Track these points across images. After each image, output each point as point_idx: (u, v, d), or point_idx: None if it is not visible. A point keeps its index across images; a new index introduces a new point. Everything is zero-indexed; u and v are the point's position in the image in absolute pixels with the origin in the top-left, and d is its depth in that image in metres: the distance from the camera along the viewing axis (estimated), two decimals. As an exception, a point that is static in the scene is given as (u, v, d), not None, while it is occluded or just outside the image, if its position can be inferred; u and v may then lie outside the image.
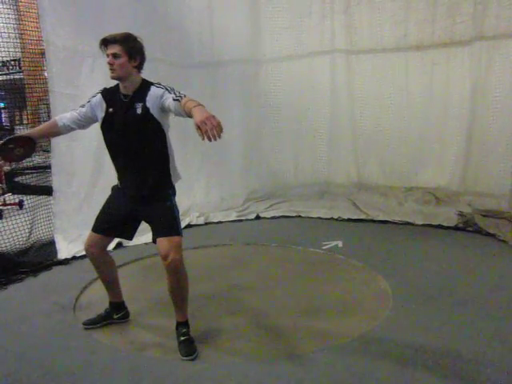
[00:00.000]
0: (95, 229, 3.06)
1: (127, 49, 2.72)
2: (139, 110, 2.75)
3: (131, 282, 3.94)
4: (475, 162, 5.84)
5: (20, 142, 2.88)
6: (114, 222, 3.02)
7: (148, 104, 2.75)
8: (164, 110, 2.75)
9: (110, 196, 3.09)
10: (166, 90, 2.72)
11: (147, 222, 2.96)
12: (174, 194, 2.97)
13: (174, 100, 2.61)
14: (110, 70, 2.75)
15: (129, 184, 2.95)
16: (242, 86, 6.36)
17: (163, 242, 2.79)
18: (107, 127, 2.88)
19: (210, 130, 2.21)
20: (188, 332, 2.94)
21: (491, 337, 2.89)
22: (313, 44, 6.42)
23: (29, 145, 2.90)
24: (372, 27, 6.17)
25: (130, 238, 3.14)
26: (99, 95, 2.92)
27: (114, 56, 2.72)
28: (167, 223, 2.84)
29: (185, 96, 2.59)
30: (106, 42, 2.74)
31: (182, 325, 2.95)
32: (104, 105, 2.87)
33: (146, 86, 2.80)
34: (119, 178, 3.02)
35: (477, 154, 5.82)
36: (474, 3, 5.55)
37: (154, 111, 2.75)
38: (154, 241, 2.88)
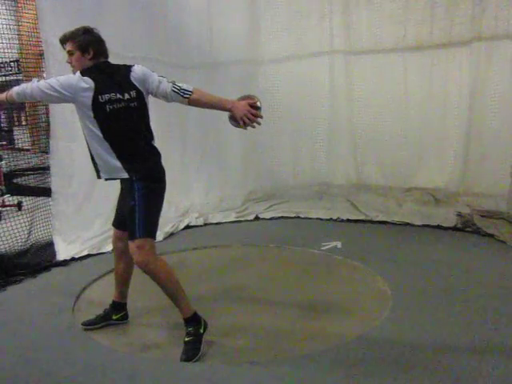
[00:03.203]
0: (113, 223, 3.20)
1: (77, 44, 2.79)
2: None
3: (131, 283, 3.92)
4: (474, 163, 5.84)
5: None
6: (119, 216, 3.09)
7: None
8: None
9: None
10: None
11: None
12: (142, 188, 2.79)
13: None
14: (71, 67, 2.87)
15: None
16: (240, 86, 6.34)
17: (129, 243, 2.82)
18: None
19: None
20: (193, 331, 2.86)
21: (491, 337, 2.89)
22: (312, 45, 6.42)
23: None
24: (371, 28, 6.17)
25: None
26: None
27: (69, 53, 2.83)
28: (130, 225, 2.82)
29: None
30: (61, 42, 2.87)
31: (187, 322, 2.89)
32: None
33: None
34: None
35: (475, 155, 5.82)
36: (472, 4, 5.56)
37: None
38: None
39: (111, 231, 3.28)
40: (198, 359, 2.78)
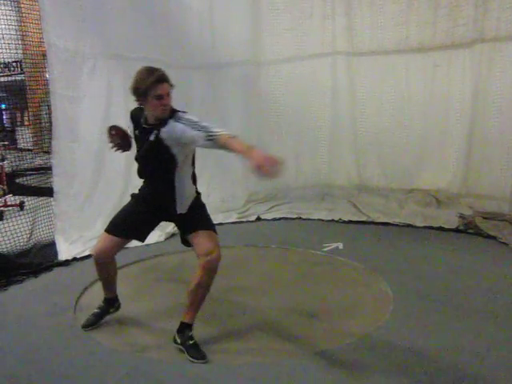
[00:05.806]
0: (112, 232, 3.01)
1: (171, 86, 2.76)
2: (152, 137, 2.78)
3: (131, 284, 3.94)
4: (476, 164, 5.84)
5: (120, 132, 3.05)
6: (131, 225, 3.04)
7: (162, 135, 2.74)
8: (185, 145, 2.76)
9: (131, 203, 3.10)
10: (189, 126, 2.64)
11: (181, 224, 3.01)
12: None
13: (206, 141, 2.56)
14: (164, 110, 2.73)
15: (151, 196, 3.01)
16: (242, 87, 6.36)
17: (205, 237, 2.88)
18: (136, 146, 3.00)
19: (270, 169, 2.32)
20: (192, 335, 2.90)
21: (492, 339, 2.88)
22: (314, 46, 6.43)
23: (126, 139, 3.07)
24: (373, 29, 6.17)
25: (143, 240, 3.15)
26: (129, 115, 3.04)
27: (168, 95, 2.73)
28: (206, 219, 2.98)
29: (217, 132, 2.53)
30: (161, 80, 2.70)
31: (187, 327, 2.90)
32: (132, 126, 2.99)
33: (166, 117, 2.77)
34: (145, 188, 3.07)
35: (478, 156, 5.82)
36: (474, 5, 5.56)
37: (168, 142, 2.74)
38: (183, 241, 3.02)
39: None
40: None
